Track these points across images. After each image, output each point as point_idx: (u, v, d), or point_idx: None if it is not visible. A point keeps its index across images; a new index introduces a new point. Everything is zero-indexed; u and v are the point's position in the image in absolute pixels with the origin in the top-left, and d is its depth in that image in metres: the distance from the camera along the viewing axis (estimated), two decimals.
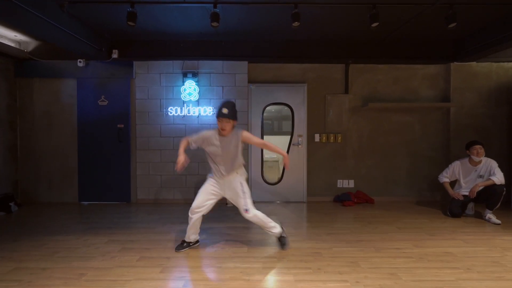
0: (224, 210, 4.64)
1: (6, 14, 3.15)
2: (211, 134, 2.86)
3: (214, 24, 3.69)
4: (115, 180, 5.11)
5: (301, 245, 3.16)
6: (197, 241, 3.11)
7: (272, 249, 3.05)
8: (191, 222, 2.92)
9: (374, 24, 3.68)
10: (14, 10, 3.16)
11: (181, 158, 2.75)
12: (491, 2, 3.64)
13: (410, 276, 2.45)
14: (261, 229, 3.03)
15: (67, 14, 3.93)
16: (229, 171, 2.86)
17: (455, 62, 5.11)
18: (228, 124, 2.77)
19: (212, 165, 2.92)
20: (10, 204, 4.52)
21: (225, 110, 2.73)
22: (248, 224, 3.89)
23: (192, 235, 3.00)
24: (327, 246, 3.13)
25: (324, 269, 2.58)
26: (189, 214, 2.92)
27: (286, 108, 5.22)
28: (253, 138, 2.95)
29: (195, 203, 2.89)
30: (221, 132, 2.82)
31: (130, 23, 3.67)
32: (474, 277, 2.43)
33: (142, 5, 3.74)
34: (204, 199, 2.90)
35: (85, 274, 2.49)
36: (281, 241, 3.03)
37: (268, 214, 4.31)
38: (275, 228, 2.98)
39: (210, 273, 2.51)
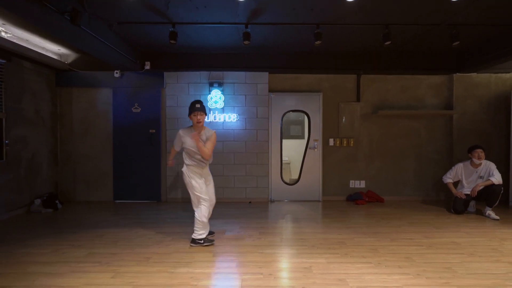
0: (248, 208, 5.12)
1: (72, 36, 3.66)
2: (186, 132, 3.28)
3: (246, 42, 4.19)
4: (147, 180, 5.59)
5: (326, 236, 3.64)
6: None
7: (301, 240, 3.53)
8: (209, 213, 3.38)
9: (387, 43, 4.17)
10: (78, 33, 3.67)
11: (170, 163, 3.67)
12: (489, 23, 4.13)
13: (422, 259, 2.93)
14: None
15: (113, 32, 4.43)
16: (205, 163, 3.36)
17: (457, 73, 5.61)
18: (202, 117, 3.23)
19: (191, 160, 3.29)
20: (56, 202, 4.99)
21: (198, 105, 3.23)
22: (275, 220, 4.38)
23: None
24: (349, 237, 3.61)
25: (350, 254, 3.06)
26: (209, 208, 3.33)
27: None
28: (210, 143, 3.29)
29: (207, 196, 3.33)
30: (196, 126, 3.25)
31: (172, 41, 4.16)
32: (476, 260, 2.92)
33: (180, 25, 4.23)
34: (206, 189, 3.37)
35: (151, 257, 2.98)
36: (197, 242, 3.30)
37: (288, 211, 4.86)
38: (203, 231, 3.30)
39: (256, 257, 2.98)
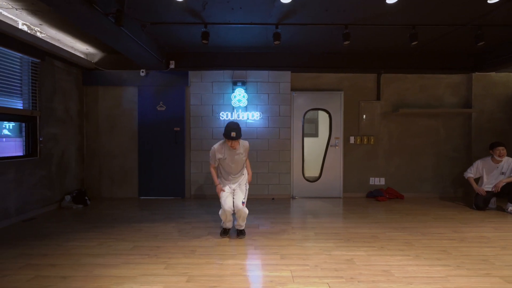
0: (272, 204, 5.23)
1: (112, 37, 3.78)
2: (220, 147, 3.51)
3: (276, 42, 4.28)
4: (171, 177, 5.71)
5: (358, 230, 3.76)
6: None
7: (335, 234, 3.64)
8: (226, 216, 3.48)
9: (414, 43, 4.27)
10: (118, 34, 3.77)
11: (220, 187, 3.54)
12: None
13: (458, 252, 3.04)
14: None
15: (144, 33, 4.53)
16: (237, 174, 3.62)
17: (476, 72, 5.70)
18: (236, 143, 3.41)
19: (223, 171, 3.62)
20: (85, 198, 5.11)
21: (233, 134, 3.32)
22: (302, 215, 4.50)
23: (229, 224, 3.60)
24: (380, 231, 3.72)
25: (386, 247, 3.18)
26: (223, 211, 3.45)
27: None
28: (247, 160, 3.72)
29: (227, 206, 3.42)
30: (230, 147, 3.45)
31: (204, 41, 4.25)
32: (511, 253, 3.03)
33: (212, 25, 4.33)
34: (231, 201, 3.48)
35: (196, 250, 3.09)
36: (242, 232, 3.56)
37: (311, 207, 5.00)
38: (243, 226, 3.57)
39: (297, 250, 3.10)
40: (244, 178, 3.68)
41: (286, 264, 2.76)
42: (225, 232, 3.59)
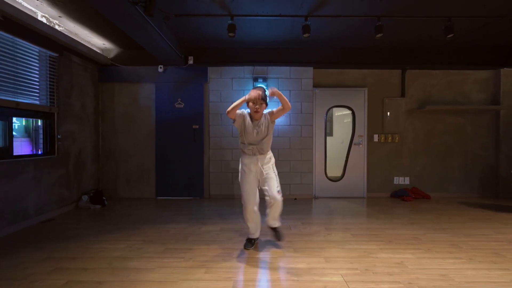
0: (295, 204, 5.05)
1: (138, 29, 3.59)
2: (246, 114, 2.90)
3: (306, 35, 4.11)
4: (189, 177, 5.52)
5: (396, 231, 3.57)
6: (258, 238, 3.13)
7: (374, 235, 3.45)
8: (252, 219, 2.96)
9: (450, 36, 4.09)
10: (144, 26, 3.59)
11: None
12: None
13: None
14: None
15: (166, 26, 4.36)
16: (262, 152, 2.89)
17: (504, 68, 5.51)
18: (262, 106, 2.83)
19: (246, 146, 2.90)
20: (103, 198, 4.93)
21: (262, 94, 2.82)
22: (331, 216, 4.31)
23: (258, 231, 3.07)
24: (420, 232, 3.53)
25: (434, 250, 2.99)
26: (248, 212, 2.93)
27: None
28: (275, 110, 2.93)
29: (251, 205, 2.90)
30: (254, 116, 2.87)
31: (230, 34, 4.08)
32: None
33: (238, 17, 4.15)
34: (256, 195, 2.93)
35: (231, 253, 2.91)
36: (279, 232, 3.10)
37: (337, 208, 4.81)
38: (279, 221, 3.06)
39: (340, 253, 2.91)
40: (271, 162, 2.98)
41: (334, 268, 2.58)
42: (250, 243, 3.01)
